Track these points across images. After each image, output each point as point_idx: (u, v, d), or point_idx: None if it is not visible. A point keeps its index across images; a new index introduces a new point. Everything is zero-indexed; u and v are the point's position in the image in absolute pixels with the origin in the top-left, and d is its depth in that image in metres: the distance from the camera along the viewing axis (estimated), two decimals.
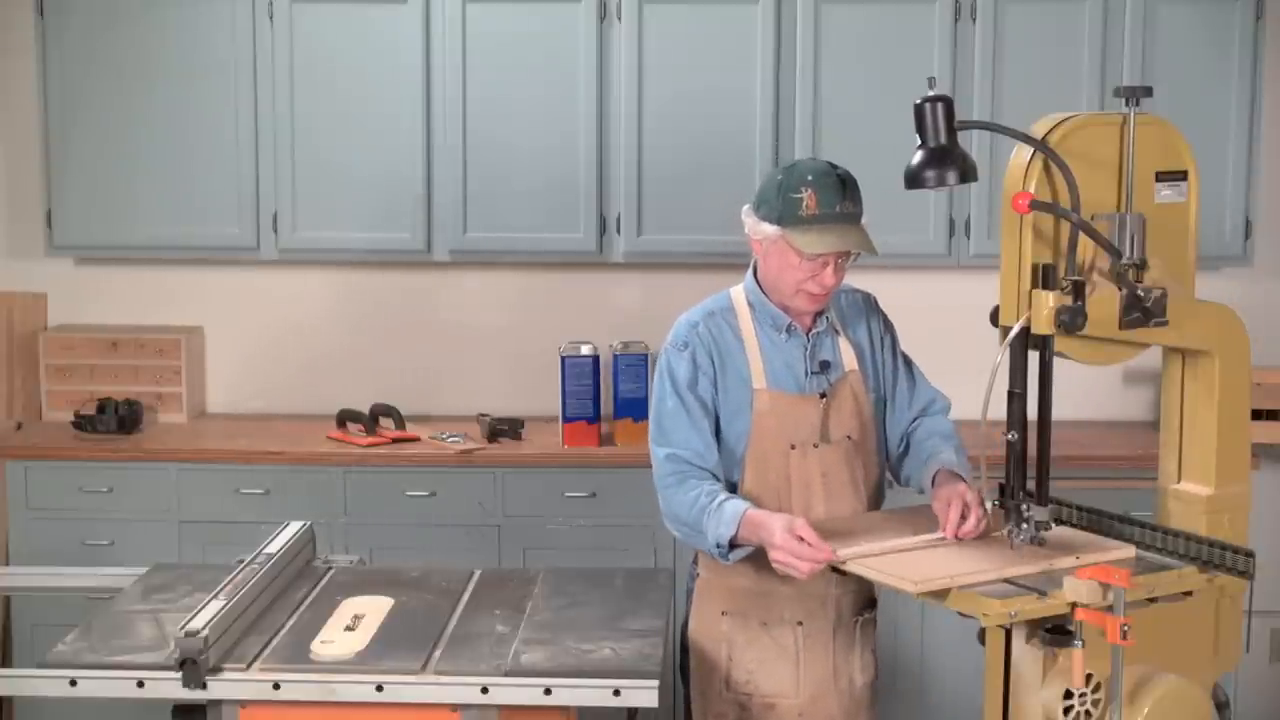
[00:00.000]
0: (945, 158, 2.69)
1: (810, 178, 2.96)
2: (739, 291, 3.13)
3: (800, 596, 3.06)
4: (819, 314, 3.10)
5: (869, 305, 3.22)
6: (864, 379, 3.13)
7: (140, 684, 2.78)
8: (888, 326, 3.23)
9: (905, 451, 3.18)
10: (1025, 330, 2.66)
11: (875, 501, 3.16)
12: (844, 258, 2.99)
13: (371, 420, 4.75)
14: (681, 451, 3.02)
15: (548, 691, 2.76)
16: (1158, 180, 2.74)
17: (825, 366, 3.09)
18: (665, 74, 4.67)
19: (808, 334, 3.09)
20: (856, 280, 3.28)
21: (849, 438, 3.08)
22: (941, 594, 2.60)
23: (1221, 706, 2.85)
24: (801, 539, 2.78)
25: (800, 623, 3.07)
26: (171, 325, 5.06)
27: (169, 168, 4.77)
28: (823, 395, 3.07)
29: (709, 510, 2.93)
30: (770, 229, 2.98)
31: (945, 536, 2.85)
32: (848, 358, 3.12)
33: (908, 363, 3.23)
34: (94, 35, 4.72)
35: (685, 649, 3.17)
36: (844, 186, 2.95)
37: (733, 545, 2.92)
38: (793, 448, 3.03)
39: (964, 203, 4.67)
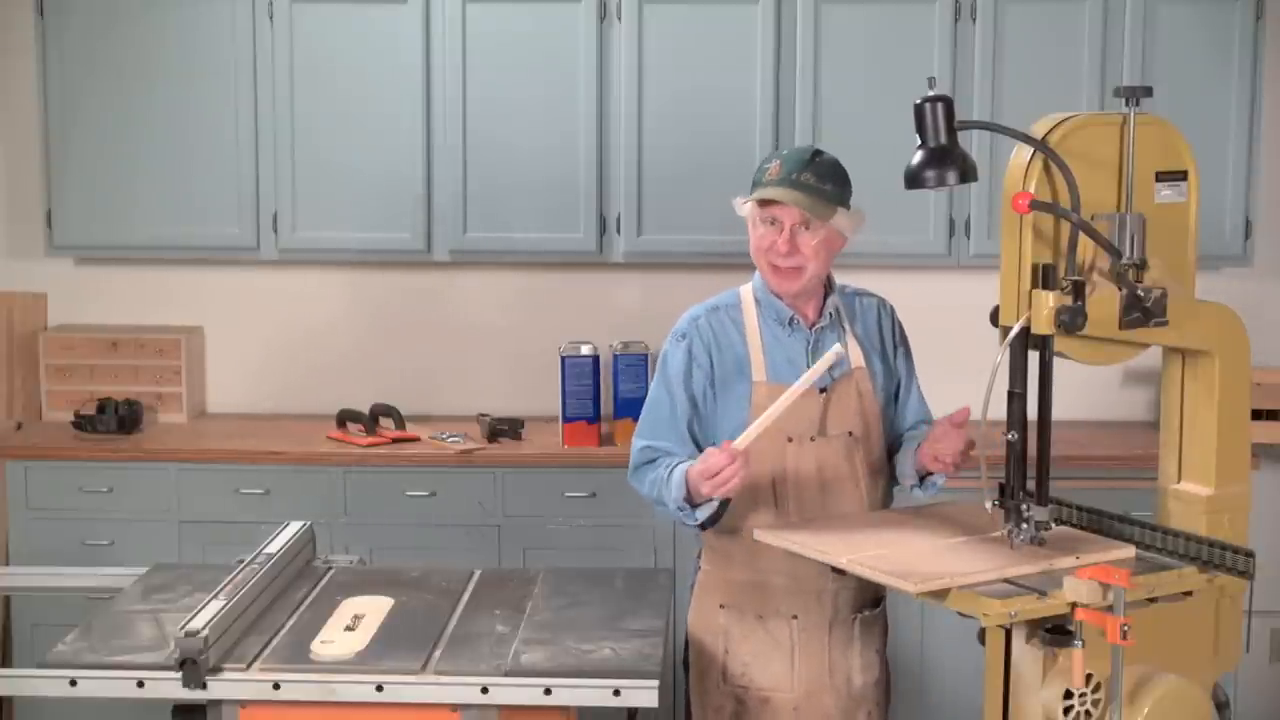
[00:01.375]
0: (945, 158, 2.69)
1: (785, 152, 3.07)
2: (747, 289, 3.17)
3: (796, 591, 3.07)
4: (822, 310, 3.12)
5: (883, 310, 3.23)
6: (871, 377, 3.13)
7: (140, 684, 2.78)
8: (903, 338, 3.24)
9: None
10: (1025, 330, 2.66)
11: (882, 501, 3.17)
12: (801, 226, 3.01)
13: (371, 420, 4.75)
14: (657, 444, 3.08)
15: (548, 691, 2.76)
16: (1158, 180, 2.73)
17: None
18: (665, 74, 4.67)
19: (810, 328, 3.10)
20: (856, 279, 3.29)
21: (849, 434, 3.08)
22: (941, 594, 2.60)
23: (1221, 706, 2.84)
24: (707, 462, 2.86)
25: (795, 616, 3.08)
26: (171, 325, 5.07)
27: (169, 168, 4.77)
28: (822, 390, 3.08)
29: (664, 481, 3.02)
30: (740, 200, 3.08)
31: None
32: (854, 354, 3.13)
33: (919, 390, 3.24)
34: (94, 35, 4.72)
35: (689, 643, 3.19)
36: (811, 161, 3.01)
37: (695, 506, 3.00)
38: (790, 440, 3.04)
39: (964, 203, 4.67)
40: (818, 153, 3.05)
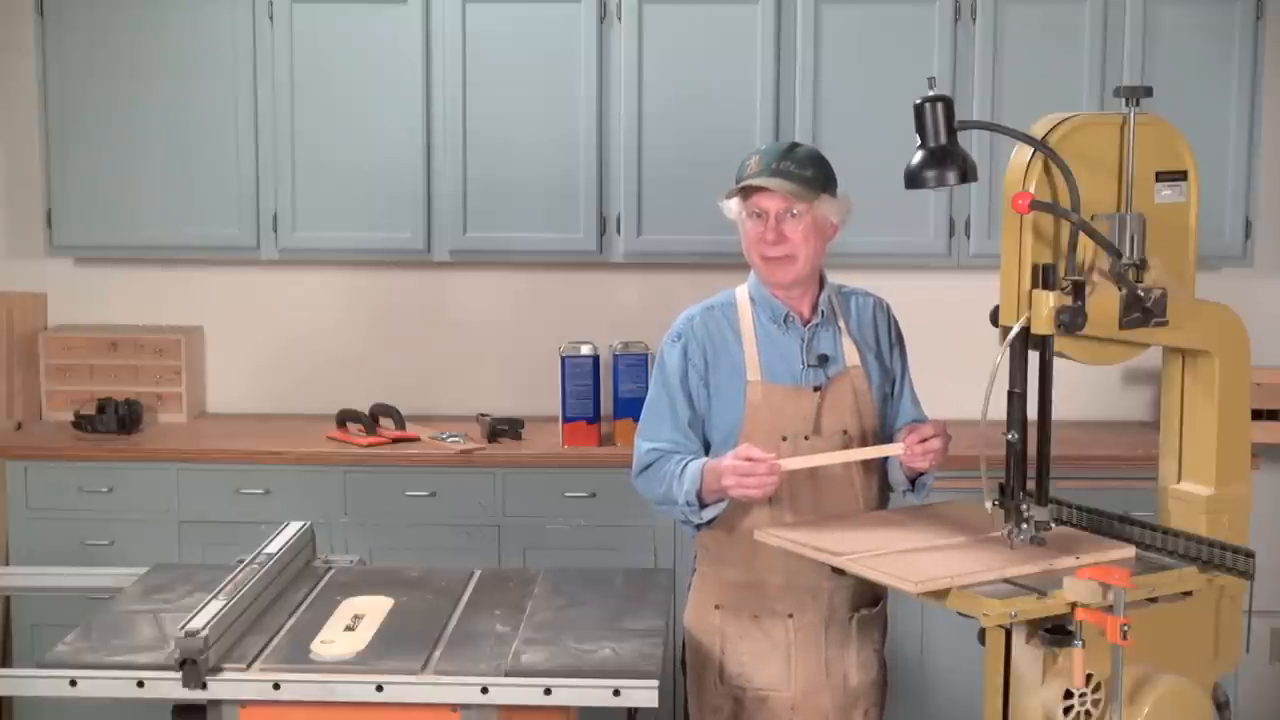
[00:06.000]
0: (945, 158, 2.69)
1: (762, 149, 3.11)
2: (743, 289, 3.18)
3: (792, 590, 3.07)
4: (815, 306, 3.12)
5: (879, 308, 3.23)
6: (866, 376, 3.13)
7: (140, 684, 2.78)
8: (899, 337, 3.24)
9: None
10: (1025, 330, 2.66)
11: (877, 500, 3.17)
12: (786, 214, 3.02)
13: (371, 420, 4.75)
14: (662, 445, 3.09)
15: (548, 691, 2.76)
16: (1158, 180, 2.73)
17: (824, 360, 3.10)
18: (665, 74, 4.67)
19: (805, 325, 3.10)
20: (856, 279, 3.29)
21: (844, 433, 3.09)
22: (941, 594, 2.60)
23: (1221, 706, 2.84)
24: (749, 460, 2.85)
25: (791, 615, 3.08)
26: (171, 325, 5.07)
27: (169, 168, 4.77)
28: (817, 388, 3.08)
29: (675, 476, 3.02)
30: (728, 203, 3.09)
31: (905, 450, 2.95)
32: (850, 353, 3.13)
33: (912, 390, 3.24)
34: (94, 35, 4.72)
35: (686, 644, 3.20)
36: (790, 151, 3.05)
37: (704, 504, 3.00)
38: (784, 439, 3.04)
39: (964, 203, 4.67)
40: (795, 144, 3.10)
